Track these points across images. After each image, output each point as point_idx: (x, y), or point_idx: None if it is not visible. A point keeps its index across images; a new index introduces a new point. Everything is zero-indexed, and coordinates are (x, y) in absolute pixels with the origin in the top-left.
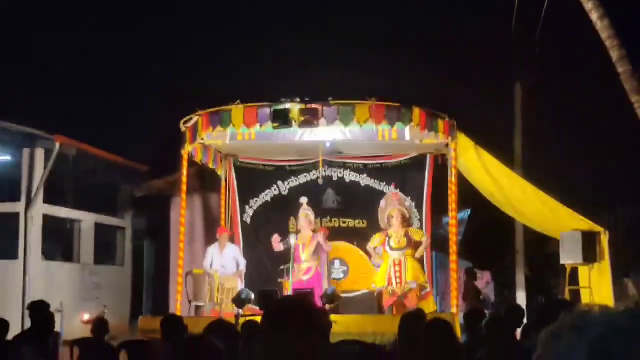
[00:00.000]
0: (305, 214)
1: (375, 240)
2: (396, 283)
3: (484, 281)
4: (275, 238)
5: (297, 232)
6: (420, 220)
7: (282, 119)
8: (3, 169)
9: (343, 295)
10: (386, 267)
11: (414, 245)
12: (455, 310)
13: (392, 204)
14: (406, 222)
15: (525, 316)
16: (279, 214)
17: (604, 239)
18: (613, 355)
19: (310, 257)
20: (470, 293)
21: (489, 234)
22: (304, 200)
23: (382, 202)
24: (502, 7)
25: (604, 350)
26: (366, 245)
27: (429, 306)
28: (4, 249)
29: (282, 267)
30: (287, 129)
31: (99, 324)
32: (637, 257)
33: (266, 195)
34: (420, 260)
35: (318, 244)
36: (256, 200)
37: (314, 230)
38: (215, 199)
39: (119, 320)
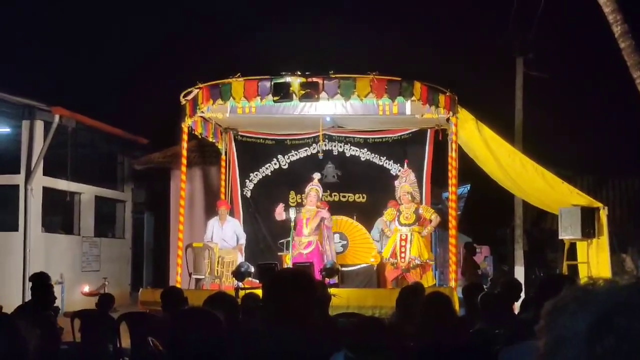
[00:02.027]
0: (315, 189)
1: (388, 214)
2: (400, 257)
3: (482, 256)
4: (281, 207)
5: (299, 206)
6: (420, 195)
7: (282, 92)
8: (2, 141)
9: (342, 269)
10: (394, 240)
11: (423, 222)
12: (454, 285)
13: (405, 180)
14: (413, 199)
15: (523, 291)
16: (279, 188)
17: (603, 214)
18: (616, 329)
19: (312, 231)
20: (469, 267)
21: (489, 209)
22: (317, 176)
23: (397, 181)
24: None
25: (607, 323)
26: (368, 217)
27: (428, 280)
28: (4, 221)
29: (282, 240)
30: (288, 102)
31: (105, 299)
32: (636, 232)
33: (266, 169)
34: (426, 238)
35: (322, 219)
36: (256, 174)
37: (317, 207)
38: (215, 173)
39: (120, 293)
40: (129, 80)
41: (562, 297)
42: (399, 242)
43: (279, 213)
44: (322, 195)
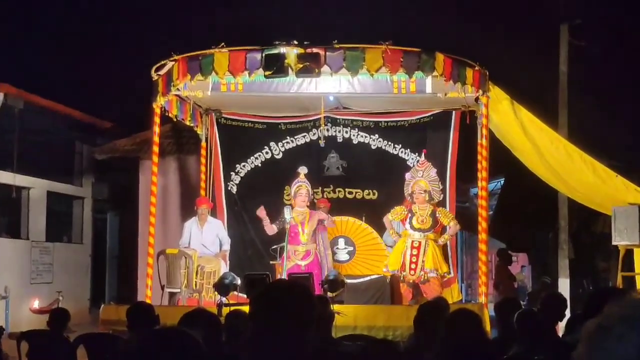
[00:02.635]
0: (306, 186)
1: (395, 213)
2: (411, 269)
3: (519, 265)
4: (262, 212)
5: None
6: (444, 191)
7: (275, 65)
8: None
9: (348, 281)
10: (402, 248)
11: (440, 228)
12: (485, 300)
13: (417, 175)
14: (431, 199)
15: (569, 308)
16: (271, 183)
17: None
18: None
19: (310, 238)
20: (503, 279)
21: (526, 208)
22: (303, 170)
23: (409, 174)
24: None
25: None
26: (379, 218)
27: (453, 295)
28: None
29: (274, 246)
30: (282, 78)
31: (59, 316)
32: None
33: (256, 160)
34: (443, 247)
35: (319, 221)
36: (244, 166)
37: (311, 207)
38: (194, 164)
39: (77, 309)
40: (89, 52)
41: (607, 316)
42: (410, 251)
43: (268, 228)
44: (319, 190)
